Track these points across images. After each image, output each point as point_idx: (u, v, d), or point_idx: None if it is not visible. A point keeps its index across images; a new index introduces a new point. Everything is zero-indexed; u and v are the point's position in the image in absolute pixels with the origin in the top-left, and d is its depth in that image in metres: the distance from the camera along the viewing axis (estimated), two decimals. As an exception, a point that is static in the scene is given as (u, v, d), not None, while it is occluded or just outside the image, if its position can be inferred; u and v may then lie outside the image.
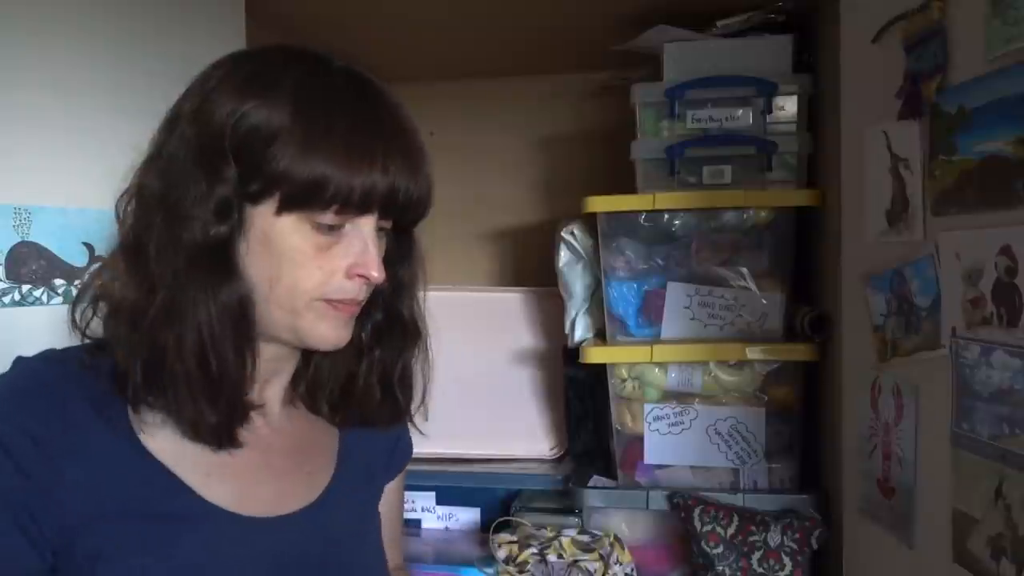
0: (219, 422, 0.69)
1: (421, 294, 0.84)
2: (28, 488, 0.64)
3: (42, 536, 0.65)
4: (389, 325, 0.81)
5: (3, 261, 0.94)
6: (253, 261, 0.69)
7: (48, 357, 0.70)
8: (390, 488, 0.93)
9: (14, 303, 0.95)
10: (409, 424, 0.88)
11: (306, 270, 0.69)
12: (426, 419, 0.87)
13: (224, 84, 0.69)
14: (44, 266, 0.98)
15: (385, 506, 0.92)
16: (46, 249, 0.98)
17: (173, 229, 0.66)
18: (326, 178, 0.66)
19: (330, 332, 0.72)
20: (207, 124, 0.67)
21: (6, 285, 0.95)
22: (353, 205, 0.68)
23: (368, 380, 0.81)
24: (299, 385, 0.82)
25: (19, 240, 0.96)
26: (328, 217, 0.68)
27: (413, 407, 0.85)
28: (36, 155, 0.97)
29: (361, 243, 0.70)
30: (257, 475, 0.75)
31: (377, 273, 0.71)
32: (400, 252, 0.79)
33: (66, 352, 0.71)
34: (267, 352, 0.75)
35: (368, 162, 0.67)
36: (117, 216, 0.71)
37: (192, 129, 0.68)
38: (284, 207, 0.67)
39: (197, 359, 0.67)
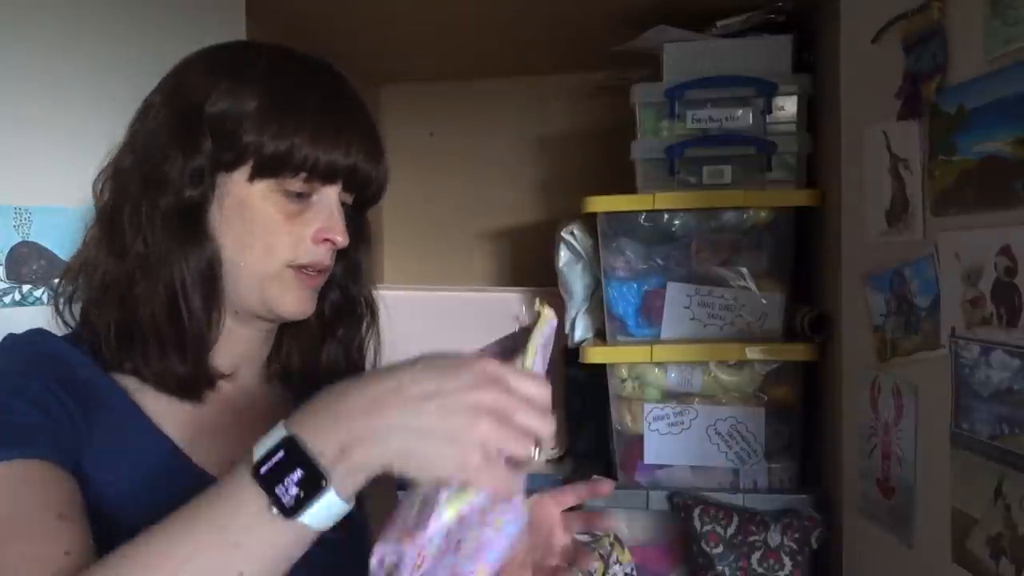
0: (185, 374, 0.73)
1: (372, 275, 0.89)
2: (71, 421, 0.67)
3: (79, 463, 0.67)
4: (348, 305, 0.86)
5: (3, 261, 0.94)
6: (227, 228, 0.73)
7: (38, 331, 0.73)
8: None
9: (14, 303, 0.95)
10: None
11: (277, 236, 0.74)
12: None
13: (196, 70, 0.74)
14: (44, 266, 0.98)
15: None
16: (46, 249, 0.98)
17: (148, 194, 0.71)
18: (294, 147, 0.71)
19: (295, 302, 0.77)
20: (181, 104, 0.72)
21: (6, 285, 0.95)
22: (319, 174, 0.73)
23: (332, 356, 0.85)
24: (273, 365, 0.86)
25: (19, 240, 0.96)
26: (297, 185, 0.73)
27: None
28: (36, 156, 0.97)
29: (327, 211, 0.75)
30: (234, 446, 0.77)
31: (342, 238, 0.76)
32: (355, 235, 0.83)
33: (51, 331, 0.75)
34: (243, 334, 0.79)
35: (332, 141, 0.73)
36: (94, 194, 0.75)
37: (166, 111, 0.73)
38: (256, 174, 0.72)
39: (168, 313, 0.71)
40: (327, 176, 0.74)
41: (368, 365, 0.89)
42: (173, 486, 0.71)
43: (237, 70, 0.72)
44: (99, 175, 0.75)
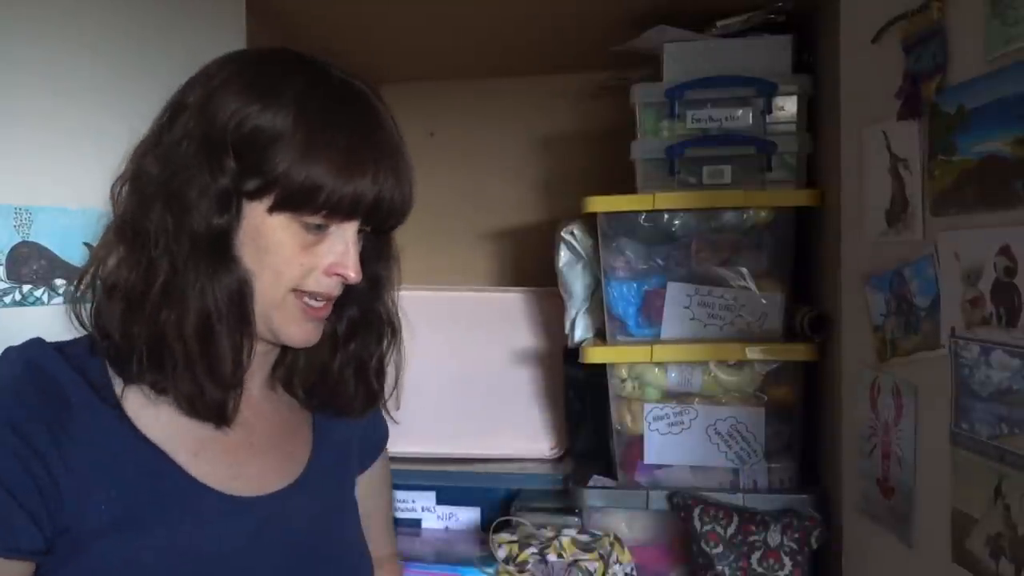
0: (219, 399, 0.72)
1: (396, 291, 0.88)
2: (41, 472, 0.66)
3: (46, 518, 0.67)
4: (364, 320, 0.85)
5: (4, 261, 0.94)
6: (242, 252, 0.73)
7: (38, 344, 0.73)
8: (373, 476, 0.96)
9: (15, 303, 0.95)
10: (384, 413, 0.91)
11: (288, 265, 0.73)
12: (397, 408, 0.90)
13: (229, 84, 0.72)
14: (45, 266, 0.98)
15: (371, 493, 0.95)
16: (47, 249, 0.98)
17: (175, 217, 0.70)
18: (321, 185, 0.70)
19: (300, 332, 0.77)
20: (211, 120, 0.70)
21: (7, 285, 0.95)
22: (342, 211, 0.72)
23: (342, 372, 0.85)
24: (278, 370, 0.86)
25: (20, 240, 0.96)
26: (317, 219, 0.72)
27: (385, 396, 0.89)
28: (37, 155, 0.97)
29: (343, 245, 0.75)
30: (241, 454, 0.78)
31: (354, 274, 0.75)
32: (377, 251, 0.83)
33: (52, 343, 0.74)
34: (255, 348, 0.78)
35: (360, 172, 0.72)
36: (112, 198, 0.73)
37: (196, 122, 0.71)
38: (277, 207, 0.71)
39: (200, 339, 0.70)
40: (349, 214, 0.73)
41: (389, 384, 0.88)
42: (177, 503, 0.72)
43: (269, 93, 0.71)
44: (119, 178, 0.74)
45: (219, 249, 0.71)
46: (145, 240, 0.70)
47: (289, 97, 0.70)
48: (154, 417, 0.73)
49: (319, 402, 0.86)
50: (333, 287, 0.76)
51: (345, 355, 0.84)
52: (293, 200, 0.70)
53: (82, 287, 0.74)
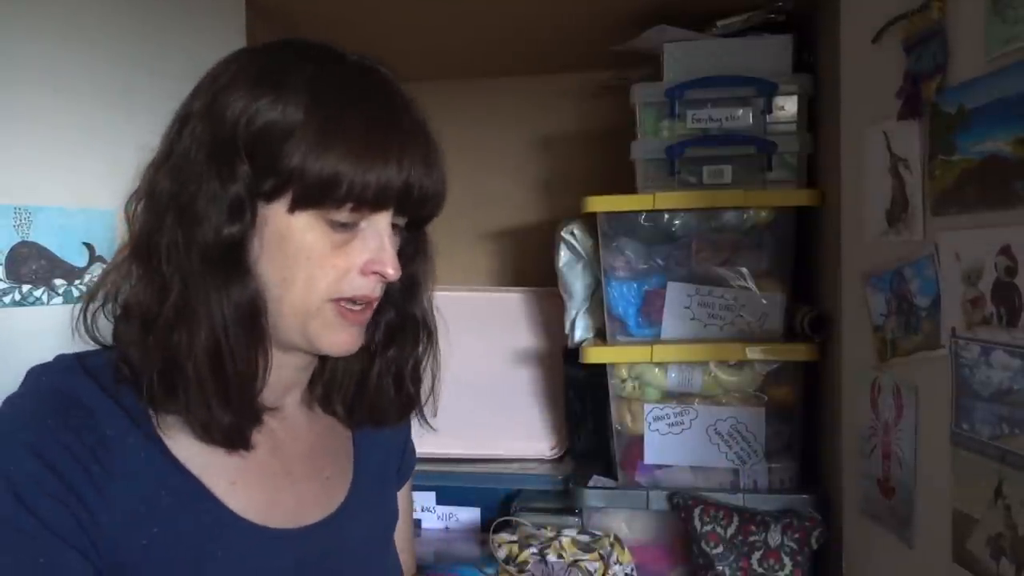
0: (232, 423, 0.68)
1: (431, 292, 0.83)
2: (78, 505, 0.63)
3: (95, 554, 0.64)
4: (402, 324, 0.80)
5: (3, 261, 0.94)
6: (266, 261, 0.68)
7: (69, 367, 0.69)
8: (400, 495, 0.93)
9: (14, 303, 0.95)
10: (420, 420, 0.87)
11: (322, 269, 0.68)
12: (435, 415, 0.86)
13: (235, 81, 0.68)
14: (44, 266, 0.98)
15: (399, 510, 0.93)
16: (46, 249, 0.98)
17: (185, 229, 0.66)
18: (340, 175, 0.65)
19: (340, 341, 0.72)
20: (219, 121, 0.66)
21: (6, 285, 0.95)
22: (368, 202, 0.67)
23: (381, 380, 0.80)
24: (316, 387, 0.81)
25: (19, 240, 0.96)
26: (343, 215, 0.67)
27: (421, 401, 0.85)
28: (36, 155, 0.97)
29: (377, 240, 0.69)
30: (278, 482, 0.75)
31: (393, 271, 0.70)
32: (412, 249, 0.78)
33: (82, 360, 0.69)
34: (288, 362, 0.75)
35: (383, 158, 0.67)
36: (127, 217, 0.70)
37: (203, 127, 0.67)
38: (297, 205, 0.66)
39: (210, 359, 0.66)
40: (377, 204, 0.68)
41: (425, 391, 0.84)
42: (214, 538, 0.68)
43: (278, 84, 0.66)
44: (132, 196, 0.70)
45: (231, 261, 0.66)
46: (158, 257, 0.66)
47: (299, 85, 0.66)
48: (189, 445, 0.69)
49: (359, 417, 0.82)
50: (372, 289, 0.71)
51: (383, 362, 0.79)
52: (312, 195, 0.65)
53: (93, 305, 0.70)
